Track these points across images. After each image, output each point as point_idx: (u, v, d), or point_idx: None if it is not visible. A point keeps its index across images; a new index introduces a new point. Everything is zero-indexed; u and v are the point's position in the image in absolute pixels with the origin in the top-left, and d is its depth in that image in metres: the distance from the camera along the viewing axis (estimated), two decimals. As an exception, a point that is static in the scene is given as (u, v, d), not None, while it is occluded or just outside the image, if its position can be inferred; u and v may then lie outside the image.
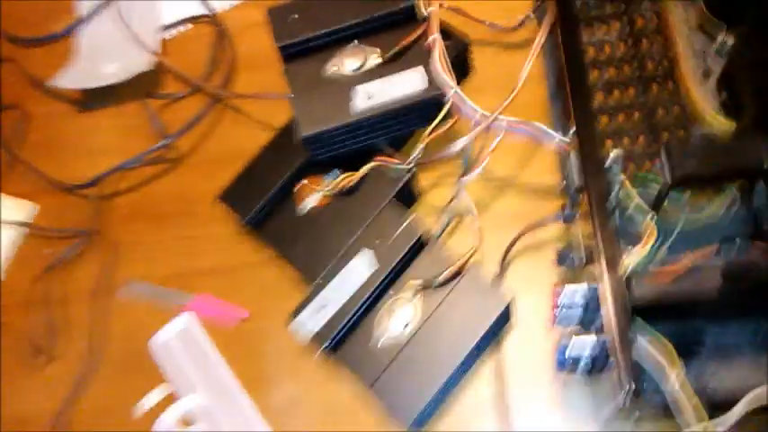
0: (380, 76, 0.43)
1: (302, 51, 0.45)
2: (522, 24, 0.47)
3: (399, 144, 0.47)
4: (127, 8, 0.59)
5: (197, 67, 0.57)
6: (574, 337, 0.32)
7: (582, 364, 0.34)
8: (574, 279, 0.41)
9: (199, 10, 0.59)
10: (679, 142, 0.33)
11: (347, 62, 0.44)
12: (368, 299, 0.42)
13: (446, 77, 0.41)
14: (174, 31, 0.59)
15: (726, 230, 0.38)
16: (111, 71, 0.57)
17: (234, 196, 0.47)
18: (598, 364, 0.35)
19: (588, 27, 0.48)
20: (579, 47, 0.35)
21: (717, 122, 0.41)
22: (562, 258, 0.40)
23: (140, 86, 0.56)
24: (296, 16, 0.45)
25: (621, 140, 0.41)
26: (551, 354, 0.40)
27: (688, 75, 0.43)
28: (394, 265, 0.42)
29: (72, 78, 0.57)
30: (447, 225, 0.45)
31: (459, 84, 0.42)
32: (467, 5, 0.48)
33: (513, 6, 0.52)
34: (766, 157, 0.32)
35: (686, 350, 0.34)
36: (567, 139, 0.38)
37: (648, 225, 0.35)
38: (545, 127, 0.39)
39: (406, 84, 0.43)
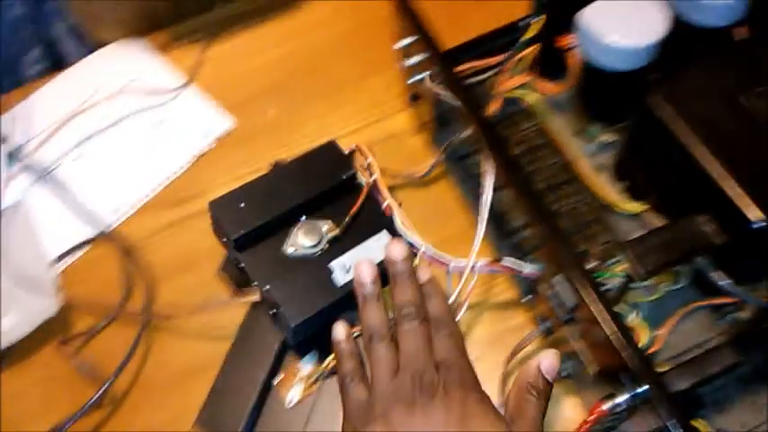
0: (346, 247, 0.44)
1: (254, 239, 0.44)
2: (431, 170, 0.51)
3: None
4: (5, 254, 0.54)
5: (106, 290, 0.53)
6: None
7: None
8: (579, 387, 0.43)
9: (87, 231, 0.55)
10: (633, 244, 0.37)
11: (304, 241, 0.44)
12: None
13: (412, 236, 0.43)
14: (66, 261, 0.55)
15: (680, 299, 0.43)
16: (8, 328, 0.50)
17: (209, 424, 0.43)
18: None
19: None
20: (528, 183, 0.38)
21: (629, 207, 0.48)
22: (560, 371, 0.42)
23: (48, 333, 0.50)
24: (242, 205, 0.44)
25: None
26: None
27: (588, 174, 0.50)
28: None
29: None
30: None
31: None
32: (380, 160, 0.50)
33: (416, 152, 0.56)
34: (711, 235, 0.37)
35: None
36: (531, 269, 0.41)
37: (637, 322, 0.39)
38: (514, 260, 0.42)
39: (377, 249, 0.44)
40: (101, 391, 0.46)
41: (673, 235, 0.38)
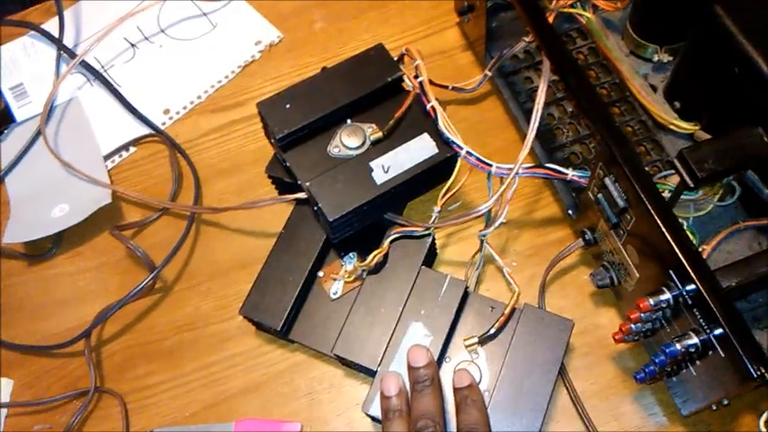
0: (387, 149, 0.44)
1: (299, 139, 0.45)
2: (480, 84, 0.51)
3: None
4: (59, 146, 0.55)
5: (156, 187, 0.54)
6: (676, 343, 0.34)
7: (667, 368, 0.37)
8: (618, 296, 0.44)
9: (138, 130, 0.57)
10: (688, 151, 0.37)
11: (347, 141, 0.45)
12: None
13: (454, 138, 0.43)
14: (118, 156, 0.56)
15: (727, 217, 0.43)
16: (63, 214, 0.52)
17: (255, 309, 0.45)
18: (681, 366, 0.37)
19: (537, 71, 0.54)
20: (590, 83, 0.38)
21: (680, 127, 0.47)
22: (600, 280, 0.43)
23: (100, 223, 0.52)
24: (288, 106, 0.45)
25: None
26: (618, 366, 0.44)
27: (640, 93, 0.49)
28: (448, 329, 0.43)
29: (19, 231, 0.52)
30: (477, 277, 0.47)
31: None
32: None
33: (463, 69, 0.56)
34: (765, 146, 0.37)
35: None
36: (577, 174, 0.42)
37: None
38: (557, 166, 0.42)
39: (417, 150, 0.44)
40: (153, 275, 0.47)
41: (727, 144, 0.38)
